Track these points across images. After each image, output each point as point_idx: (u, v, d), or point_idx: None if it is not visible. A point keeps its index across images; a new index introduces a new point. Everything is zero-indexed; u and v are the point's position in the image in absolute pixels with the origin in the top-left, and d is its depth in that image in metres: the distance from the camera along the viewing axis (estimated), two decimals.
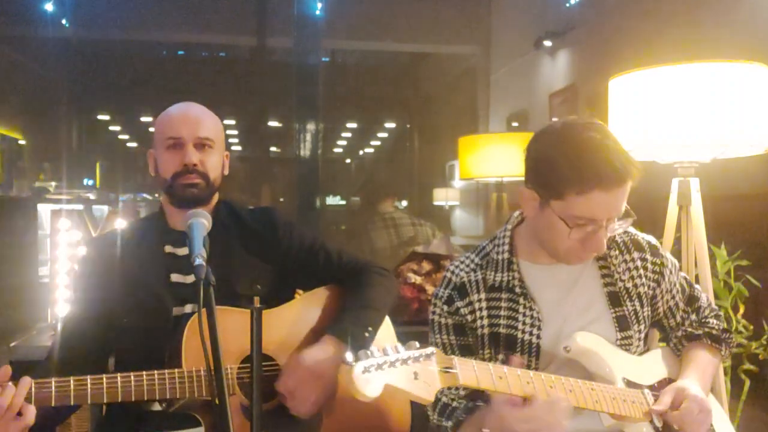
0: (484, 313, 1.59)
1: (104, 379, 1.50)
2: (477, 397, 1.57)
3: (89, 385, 1.49)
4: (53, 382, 1.47)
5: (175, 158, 1.74)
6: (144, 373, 1.54)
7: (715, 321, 1.74)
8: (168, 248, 1.80)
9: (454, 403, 1.57)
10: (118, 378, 1.51)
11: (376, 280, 1.87)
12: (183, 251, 1.77)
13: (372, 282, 1.86)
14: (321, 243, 1.91)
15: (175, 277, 1.77)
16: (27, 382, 1.44)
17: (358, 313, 1.76)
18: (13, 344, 2.41)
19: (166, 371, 1.56)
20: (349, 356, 1.12)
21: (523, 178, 1.57)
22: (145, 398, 1.54)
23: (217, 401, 1.25)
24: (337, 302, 1.87)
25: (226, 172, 1.86)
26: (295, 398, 1.63)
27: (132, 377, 1.52)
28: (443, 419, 1.56)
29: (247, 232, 1.85)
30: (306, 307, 1.85)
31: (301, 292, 1.98)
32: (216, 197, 1.85)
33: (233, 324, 1.62)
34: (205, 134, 1.75)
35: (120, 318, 1.72)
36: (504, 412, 1.35)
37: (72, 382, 1.48)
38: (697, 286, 1.79)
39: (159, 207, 1.87)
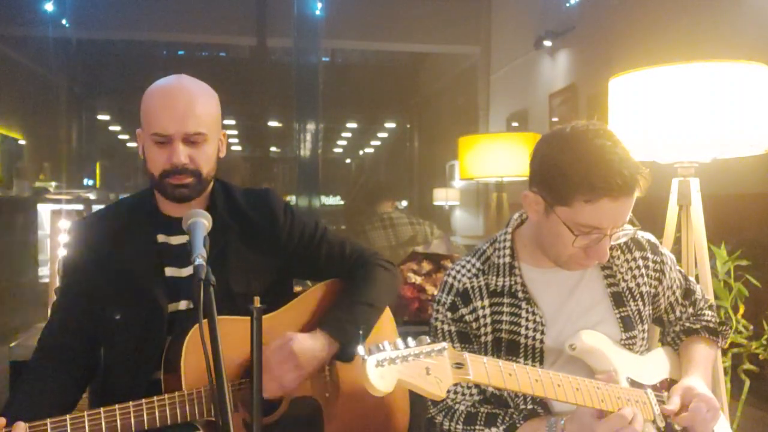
0: (488, 320, 1.58)
1: (102, 414, 1.42)
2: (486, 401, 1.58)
3: (86, 423, 1.41)
4: (48, 424, 1.39)
5: (163, 155, 1.61)
6: (144, 401, 1.47)
7: (710, 313, 1.75)
8: (161, 237, 1.68)
9: (483, 409, 1.55)
10: (117, 410, 1.44)
11: (379, 274, 1.80)
12: (177, 240, 1.68)
13: (374, 276, 1.78)
14: (322, 233, 1.81)
15: (170, 271, 1.67)
16: (21, 429, 1.36)
17: (355, 309, 1.70)
18: (13, 344, 2.41)
19: (166, 396, 1.49)
20: (361, 350, 1.11)
21: (523, 179, 1.57)
22: (146, 427, 1.46)
23: (220, 420, 1.21)
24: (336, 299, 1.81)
25: (223, 155, 1.71)
26: (269, 373, 1.57)
27: (131, 407, 1.45)
28: (477, 427, 1.53)
29: (245, 221, 1.74)
30: (307, 309, 1.78)
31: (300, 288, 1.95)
32: (210, 184, 1.73)
33: (232, 334, 1.53)
34: (194, 128, 1.59)
35: (111, 313, 1.63)
36: (585, 420, 1.39)
37: (68, 420, 1.40)
38: (691, 278, 1.80)
39: (149, 188, 1.72)
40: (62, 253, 2.69)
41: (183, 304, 1.67)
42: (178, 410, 1.49)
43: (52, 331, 1.67)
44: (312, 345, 1.62)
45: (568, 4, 6.47)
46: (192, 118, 1.59)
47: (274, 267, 1.76)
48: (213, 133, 1.66)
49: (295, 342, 1.60)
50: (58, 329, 1.66)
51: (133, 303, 1.63)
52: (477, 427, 1.53)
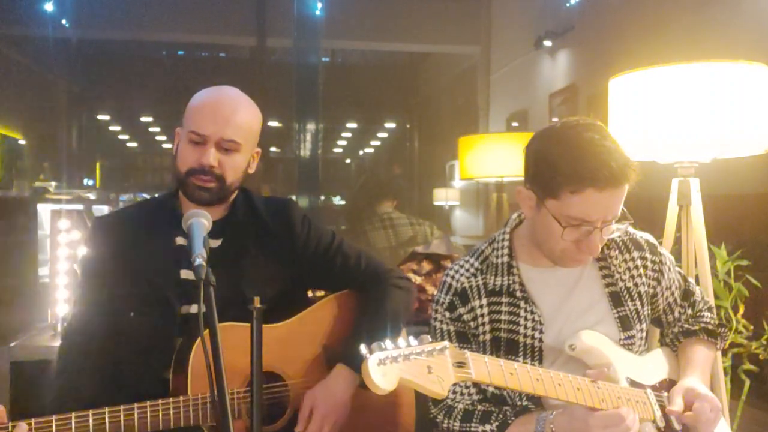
0: (486, 319, 1.59)
1: (107, 413, 1.44)
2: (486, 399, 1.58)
3: (90, 421, 1.42)
4: (53, 421, 1.39)
5: (194, 154, 1.64)
6: (148, 403, 1.48)
7: (709, 314, 1.75)
8: (179, 240, 1.69)
9: (480, 407, 1.55)
10: (122, 410, 1.45)
11: (396, 294, 1.79)
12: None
13: (391, 297, 1.78)
14: (338, 245, 1.82)
15: (185, 274, 1.68)
16: (23, 429, 1.36)
17: (374, 336, 1.70)
18: (13, 344, 2.41)
19: (171, 400, 1.50)
20: (363, 348, 1.12)
21: (523, 179, 1.57)
22: (149, 429, 1.48)
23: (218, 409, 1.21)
24: (349, 314, 1.80)
25: (252, 171, 1.75)
26: None
27: (135, 408, 1.46)
28: (472, 424, 1.53)
29: (264, 230, 1.76)
30: (316, 321, 1.77)
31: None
32: (234, 193, 1.76)
33: (243, 341, 1.51)
34: (230, 136, 1.64)
35: (125, 309, 1.65)
36: (578, 414, 1.39)
37: (73, 418, 1.41)
38: (690, 279, 1.80)
39: (175, 190, 1.75)
40: (64, 252, 2.69)
41: (194, 308, 1.67)
42: (182, 414, 1.50)
43: (75, 328, 1.69)
44: (338, 390, 1.65)
45: (568, 4, 6.47)
46: (231, 125, 1.65)
47: (288, 275, 1.77)
48: (247, 146, 1.69)
49: (323, 401, 1.63)
50: (80, 324, 1.69)
51: (147, 302, 1.65)
52: (473, 424, 1.53)
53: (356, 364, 1.61)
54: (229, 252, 1.68)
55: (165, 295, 1.65)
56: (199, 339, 1.52)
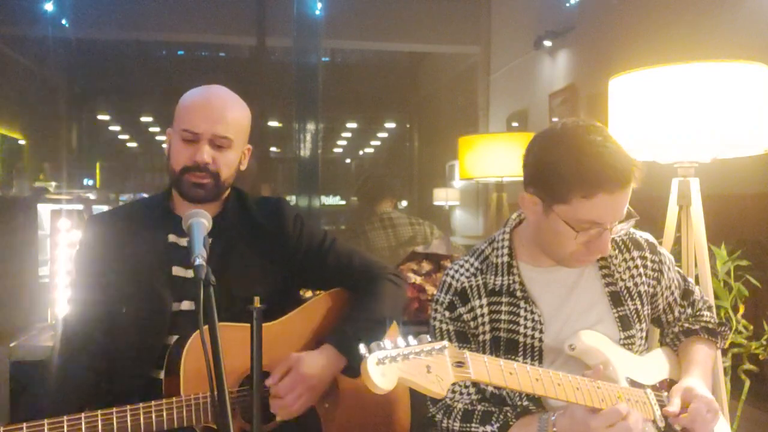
0: (486, 318, 1.59)
1: (99, 416, 1.43)
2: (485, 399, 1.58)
3: (83, 424, 1.41)
4: (45, 425, 1.38)
5: (188, 152, 1.67)
6: (141, 405, 1.47)
7: (708, 313, 1.76)
8: (171, 237, 1.72)
9: (479, 407, 1.55)
10: (114, 413, 1.44)
11: (388, 289, 1.80)
12: (187, 241, 1.67)
13: (383, 291, 1.79)
14: (331, 243, 1.83)
15: (177, 270, 1.70)
16: None
17: (363, 325, 1.70)
18: (13, 344, 2.41)
19: (164, 401, 1.49)
20: (362, 348, 1.12)
21: (523, 180, 1.57)
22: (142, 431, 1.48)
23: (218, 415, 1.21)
24: (342, 311, 1.80)
25: (243, 168, 1.78)
26: (281, 401, 1.59)
27: (129, 410, 1.45)
28: (472, 424, 1.53)
29: (255, 229, 1.77)
30: (308, 319, 1.77)
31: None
32: (227, 191, 1.78)
33: (232, 342, 1.52)
34: (223, 132, 1.67)
35: (117, 305, 1.66)
36: (578, 415, 1.38)
37: (66, 421, 1.40)
38: (689, 279, 1.80)
39: (168, 189, 1.78)
40: (64, 252, 2.69)
41: (186, 305, 1.68)
42: (175, 415, 1.50)
43: (72, 326, 1.70)
44: (320, 363, 1.63)
45: (568, 4, 6.46)
46: (223, 122, 1.68)
47: (279, 275, 1.77)
48: (239, 142, 1.72)
49: (303, 364, 1.61)
50: (74, 319, 1.70)
51: (139, 299, 1.66)
52: (473, 424, 1.53)
53: (343, 345, 1.64)
54: (220, 251, 1.68)
55: (157, 291, 1.66)
56: (190, 339, 1.54)
